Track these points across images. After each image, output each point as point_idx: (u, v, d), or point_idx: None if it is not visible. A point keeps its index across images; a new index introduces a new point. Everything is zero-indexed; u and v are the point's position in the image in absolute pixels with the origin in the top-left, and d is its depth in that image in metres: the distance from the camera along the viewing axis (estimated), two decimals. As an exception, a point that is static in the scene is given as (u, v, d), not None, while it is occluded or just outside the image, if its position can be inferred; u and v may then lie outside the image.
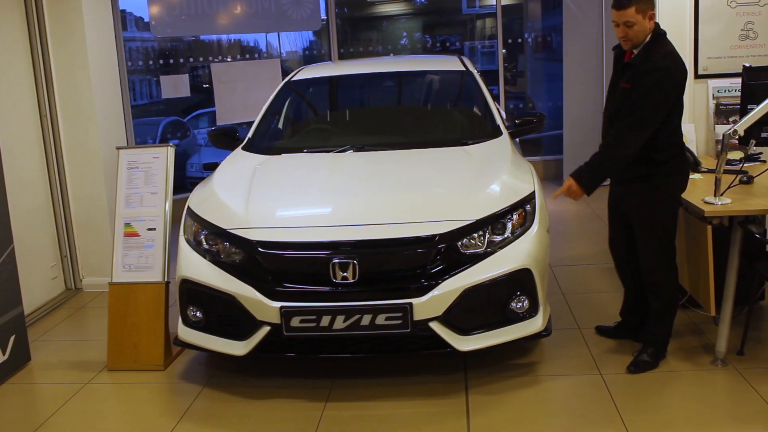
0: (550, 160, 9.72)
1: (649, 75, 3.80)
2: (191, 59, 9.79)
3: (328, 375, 4.17)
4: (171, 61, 9.62)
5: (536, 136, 10.58)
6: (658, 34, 3.92)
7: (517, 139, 5.47)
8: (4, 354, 4.39)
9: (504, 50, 11.44)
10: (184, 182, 10.60)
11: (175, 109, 12.81)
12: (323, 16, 9.34)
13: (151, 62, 11.05)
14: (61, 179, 5.89)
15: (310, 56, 12.56)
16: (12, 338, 4.46)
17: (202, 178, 4.82)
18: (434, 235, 3.78)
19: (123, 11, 10.70)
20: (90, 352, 4.76)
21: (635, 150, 3.86)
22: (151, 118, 12.68)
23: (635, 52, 3.94)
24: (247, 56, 11.11)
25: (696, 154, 4.87)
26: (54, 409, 4.02)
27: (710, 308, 3.99)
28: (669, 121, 3.91)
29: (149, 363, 4.42)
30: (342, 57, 10.24)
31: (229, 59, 10.63)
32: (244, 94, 8.46)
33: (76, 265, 6.05)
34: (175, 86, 8.26)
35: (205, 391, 4.11)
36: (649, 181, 3.96)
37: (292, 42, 12.26)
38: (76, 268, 6.06)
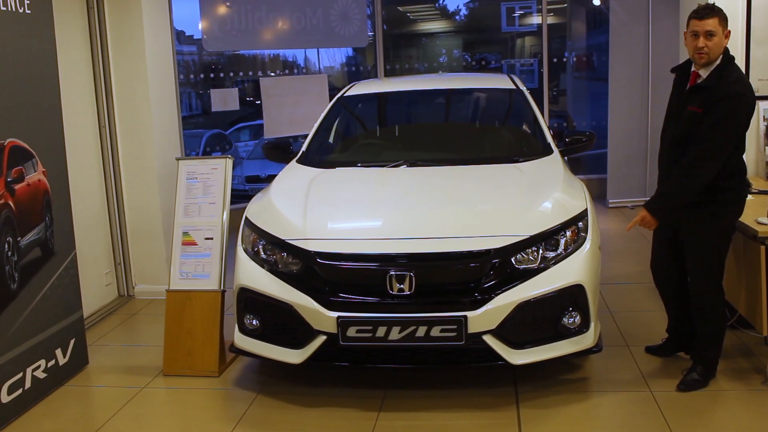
0: (593, 179, 9.72)
1: (726, 101, 3.72)
2: (231, 73, 9.98)
3: (381, 385, 4.23)
4: (212, 75, 9.82)
5: (579, 155, 10.61)
6: (729, 57, 3.87)
7: (566, 158, 5.52)
8: (64, 357, 4.52)
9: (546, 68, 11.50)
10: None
11: (218, 122, 13.04)
12: (370, 33, 9.47)
13: (192, 75, 11.29)
14: (118, 189, 6.05)
15: (351, 72, 12.75)
16: (72, 341, 4.59)
17: (244, 191, 4.93)
18: (489, 250, 3.85)
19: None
20: (145, 358, 4.87)
21: (710, 178, 3.81)
22: (194, 130, 12.92)
23: (702, 74, 3.88)
24: (287, 71, 11.30)
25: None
26: (111, 413, 4.13)
27: (763, 329, 4.00)
28: (738, 147, 3.89)
29: (204, 369, 4.52)
30: (386, 74, 10.36)
31: (272, 74, 10.82)
32: (292, 109, 8.58)
33: (130, 272, 6.20)
34: (225, 100, 8.42)
35: (259, 398, 4.19)
36: (711, 207, 3.91)
37: (331, 58, 12.44)
38: (129, 276, 6.20)
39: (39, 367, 4.28)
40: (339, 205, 4.41)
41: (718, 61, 3.85)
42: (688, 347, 4.35)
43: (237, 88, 9.02)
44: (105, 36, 5.87)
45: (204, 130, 12.88)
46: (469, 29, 13.53)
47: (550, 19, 12.06)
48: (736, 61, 3.94)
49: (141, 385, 4.47)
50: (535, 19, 12.07)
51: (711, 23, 3.78)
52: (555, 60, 10.99)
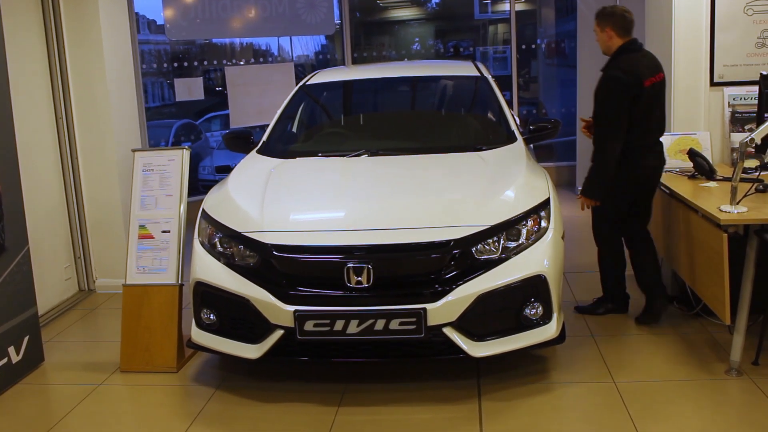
0: (563, 166, 9.70)
1: (601, 83, 4.49)
2: (205, 62, 9.81)
3: (342, 379, 4.16)
4: (185, 64, 9.65)
5: (549, 142, 10.59)
6: (620, 50, 4.56)
7: (531, 146, 5.46)
8: (18, 354, 4.40)
9: (516, 56, 11.43)
10: (197, 185, 10.62)
11: (188, 111, 12.83)
12: (337, 21, 9.35)
13: (165, 65, 11.08)
14: (76, 181, 5.92)
15: (323, 60, 12.61)
16: (26, 339, 4.48)
17: (215, 181, 4.83)
18: (449, 241, 3.78)
19: (136, 14, 10.75)
20: (103, 354, 4.77)
21: (616, 153, 4.50)
22: (163, 120, 12.72)
23: None
24: (261, 60, 11.13)
25: (711, 162, 4.85)
26: (66, 411, 4.03)
27: (725, 317, 3.97)
28: (637, 125, 4.51)
29: (162, 365, 4.43)
30: (354, 62, 10.25)
31: (242, 62, 10.65)
32: (258, 98, 8.47)
33: (90, 266, 6.08)
34: (189, 89, 8.29)
35: (217, 394, 4.11)
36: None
37: (304, 46, 12.27)
38: (90, 270, 6.08)
39: (-9, 365, 4.17)
40: (297, 196, 4.31)
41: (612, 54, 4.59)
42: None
43: (201, 78, 8.86)
44: (60, 26, 5.73)
45: (174, 120, 12.68)
46: (441, 16, 13.41)
47: (521, 6, 12.02)
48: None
49: (97, 382, 4.37)
50: (507, 6, 12.01)
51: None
52: (524, 47, 10.95)
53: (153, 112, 12.32)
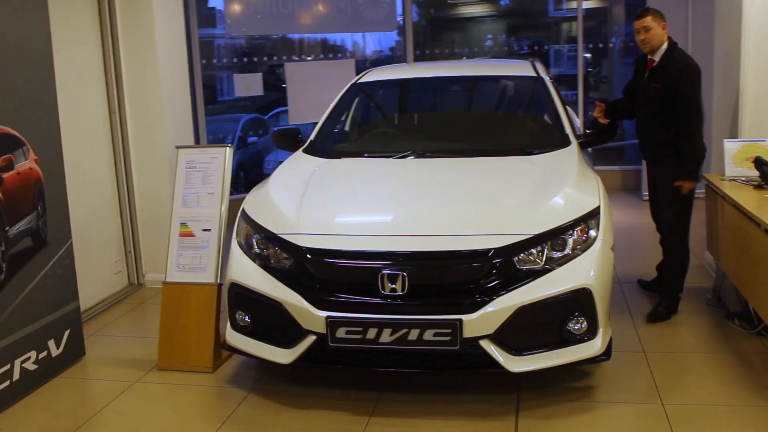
0: (629, 170, 9.37)
1: (684, 71, 4.65)
2: (275, 57, 9.80)
3: (376, 387, 4.04)
4: (255, 59, 9.66)
5: (617, 145, 10.24)
6: (673, 42, 4.82)
7: (589, 149, 5.24)
8: (57, 348, 4.43)
9: (588, 54, 11.10)
10: (261, 180, 10.60)
11: (262, 106, 12.80)
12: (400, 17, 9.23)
13: (235, 59, 11.10)
14: (128, 176, 5.96)
15: (394, 57, 12.49)
16: (66, 333, 4.49)
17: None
18: (488, 249, 3.61)
19: (212, 9, 10.82)
20: (143, 350, 4.76)
21: (702, 133, 4.74)
22: (231, 114, 12.78)
23: (655, 59, 4.80)
24: (330, 56, 11.07)
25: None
26: (100, 407, 4.03)
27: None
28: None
29: (198, 365, 4.39)
30: (425, 58, 10.10)
31: (311, 58, 10.62)
32: (318, 94, 8.40)
33: (140, 261, 6.11)
34: (248, 85, 8.28)
35: (250, 397, 4.04)
36: (673, 159, 4.75)
37: (376, 42, 12.18)
38: (140, 264, 6.11)
39: (29, 358, 4.19)
40: (335, 198, 4.20)
41: (664, 47, 4.79)
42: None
43: (260, 73, 8.83)
44: (115, 20, 5.76)
45: (242, 114, 12.74)
46: (515, 13, 13.13)
47: (592, 4, 11.69)
48: None
49: (134, 379, 4.36)
50: (584, 4, 11.67)
51: (647, 20, 4.77)
52: (599, 45, 10.64)
53: (227, 105, 12.42)
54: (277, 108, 13.28)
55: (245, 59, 10.21)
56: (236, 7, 8.16)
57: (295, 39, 10.87)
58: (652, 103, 4.82)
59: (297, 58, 10.05)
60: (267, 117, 13.22)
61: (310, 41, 11.03)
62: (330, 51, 11.23)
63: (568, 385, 4.02)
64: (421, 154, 4.63)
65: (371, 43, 12.03)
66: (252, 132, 12.25)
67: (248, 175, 11.26)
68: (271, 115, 13.37)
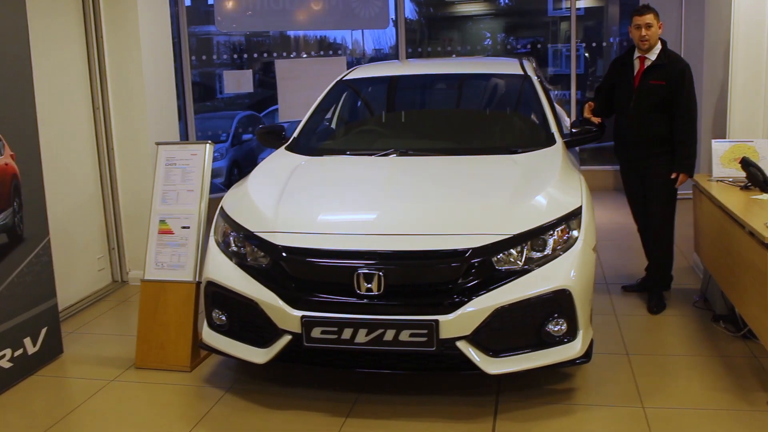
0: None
1: (687, 71, 4.81)
2: (274, 54, 9.74)
3: (354, 388, 3.99)
4: (255, 55, 9.60)
5: (610, 144, 10.15)
6: (665, 41, 4.92)
7: (577, 148, 5.19)
8: (34, 346, 4.37)
9: (587, 54, 11.05)
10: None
11: (261, 102, 12.72)
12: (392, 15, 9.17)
13: (235, 56, 11.02)
14: (112, 172, 5.90)
15: (394, 55, 12.42)
16: (44, 330, 4.44)
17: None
18: (466, 249, 3.56)
19: (211, 6, 10.76)
20: (122, 348, 4.71)
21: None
22: (227, 111, 12.72)
23: (649, 57, 4.89)
24: (322, 53, 11.01)
25: (766, 173, 4.50)
26: (74, 405, 3.98)
27: (768, 343, 3.65)
28: None
29: (176, 363, 4.34)
30: (423, 56, 10.02)
31: (304, 56, 10.56)
32: (308, 92, 8.33)
33: (123, 258, 6.06)
34: (239, 82, 8.23)
35: (225, 397, 3.99)
36: (668, 155, 4.91)
37: (375, 40, 12.12)
38: (123, 261, 6.06)
39: (4, 356, 4.14)
40: (313, 197, 4.15)
41: (659, 45, 4.89)
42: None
43: (250, 70, 8.79)
44: (99, 17, 5.72)
45: (236, 112, 12.68)
46: (513, 12, 13.07)
47: (589, 3, 11.63)
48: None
49: (111, 377, 4.31)
50: (582, 3, 11.61)
51: (649, 17, 4.83)
52: (595, 45, 10.59)
53: (226, 102, 12.37)
54: (273, 105, 13.23)
55: (245, 56, 10.14)
56: (227, 4, 8.10)
57: (292, 36, 10.82)
58: (651, 99, 4.86)
59: (294, 56, 10.00)
60: (263, 114, 13.16)
61: (308, 39, 10.97)
62: (329, 48, 11.18)
63: (548, 387, 3.97)
64: (403, 153, 4.57)
65: (370, 40, 11.97)
66: (248, 129, 12.20)
67: (242, 172, 11.20)
68: (267, 112, 13.32)
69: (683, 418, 3.63)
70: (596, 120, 5.17)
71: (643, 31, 4.82)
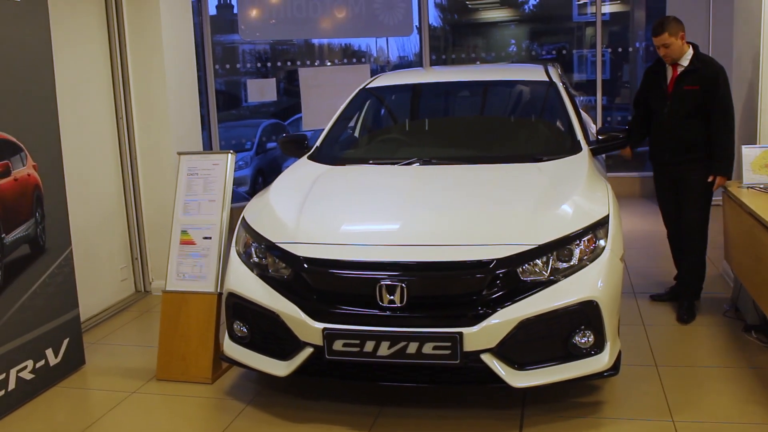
0: (647, 176, 9.15)
1: (722, 74, 4.75)
2: (298, 62, 9.73)
3: (377, 401, 3.93)
4: (279, 64, 9.58)
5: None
6: (695, 45, 4.90)
7: (603, 156, 5.11)
8: (56, 357, 4.36)
9: (602, 59, 10.91)
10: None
11: (286, 110, 12.71)
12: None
13: (258, 65, 11.03)
14: (135, 182, 5.90)
15: (418, 62, 12.39)
16: (65, 341, 4.43)
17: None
18: (491, 260, 3.49)
19: (237, 15, 10.79)
20: (144, 359, 4.69)
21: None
22: (252, 120, 12.74)
23: (682, 64, 4.84)
24: (354, 61, 10.98)
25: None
26: (95, 418, 3.95)
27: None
28: None
29: (197, 375, 4.31)
30: (448, 63, 9.96)
31: (328, 64, 10.54)
32: (332, 100, 8.31)
33: (147, 268, 6.05)
34: (262, 90, 8.22)
35: (247, 410, 3.95)
36: (704, 161, 4.85)
37: (400, 47, 12.08)
38: (146, 271, 6.05)
39: (26, 368, 4.13)
40: (335, 207, 4.09)
41: (690, 52, 4.84)
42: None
43: (274, 79, 8.79)
44: (122, 26, 5.72)
45: (261, 120, 12.69)
46: (538, 18, 12.96)
47: (615, 8, 11.51)
48: None
49: (132, 389, 4.29)
50: (607, 8, 11.50)
51: (663, 38, 4.77)
52: (620, 50, 10.47)
53: (251, 110, 12.39)
54: (298, 114, 13.21)
55: (269, 65, 10.15)
56: (251, 13, 8.10)
57: (317, 44, 10.80)
58: (687, 104, 4.82)
59: (318, 63, 9.98)
60: (287, 123, 13.16)
61: (333, 47, 10.94)
62: (353, 56, 11.15)
63: (575, 400, 3.88)
64: (427, 161, 4.52)
65: (395, 48, 11.93)
66: (273, 138, 12.19)
67: (267, 180, 11.19)
68: (292, 120, 13.32)
69: (714, 433, 3.53)
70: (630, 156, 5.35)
71: (662, 51, 4.82)
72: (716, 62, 4.85)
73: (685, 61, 4.83)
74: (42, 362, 4.25)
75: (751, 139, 5.06)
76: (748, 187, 4.67)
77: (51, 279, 4.30)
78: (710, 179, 4.79)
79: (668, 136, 4.94)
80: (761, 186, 4.63)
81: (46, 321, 4.27)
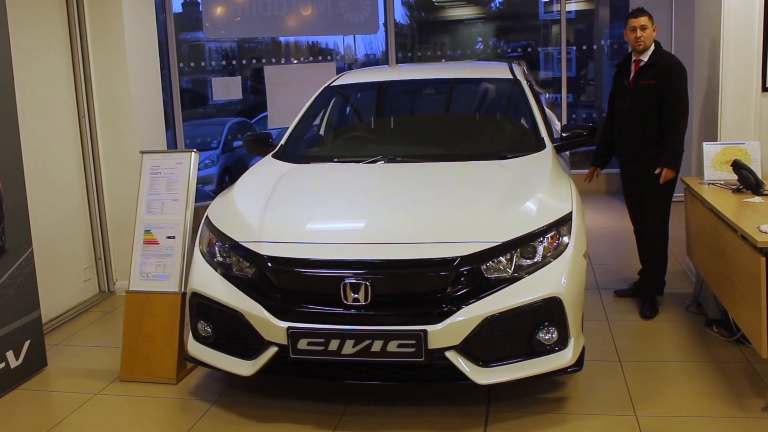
0: (613, 173, 9.23)
1: (677, 69, 4.81)
2: (263, 60, 9.66)
3: (342, 399, 3.92)
4: (244, 62, 9.51)
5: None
6: (659, 43, 4.97)
7: (567, 153, 5.14)
8: (17, 359, 4.30)
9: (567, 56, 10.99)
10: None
11: (255, 108, 12.62)
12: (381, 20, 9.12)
13: (225, 62, 10.94)
14: (98, 182, 5.83)
15: (386, 60, 12.38)
16: (27, 343, 4.37)
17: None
18: (455, 258, 3.50)
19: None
20: (107, 360, 4.64)
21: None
22: (218, 118, 12.63)
23: (643, 59, 4.91)
24: (320, 58, 10.92)
25: (759, 175, 4.46)
26: (58, 420, 3.90)
27: (762, 349, 3.58)
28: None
29: (161, 376, 4.27)
30: (414, 61, 9.96)
31: (295, 61, 10.47)
32: (298, 98, 8.26)
33: (111, 268, 5.98)
34: (227, 88, 8.16)
35: (212, 410, 3.92)
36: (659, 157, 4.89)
37: (367, 45, 12.05)
38: (110, 271, 5.99)
39: (-15, 370, 4.07)
40: (299, 205, 4.08)
41: (653, 47, 4.90)
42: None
43: (239, 77, 8.72)
44: (84, 25, 5.64)
45: (227, 118, 12.59)
46: (505, 16, 13.02)
47: (580, 6, 11.60)
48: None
49: (95, 390, 4.24)
50: (572, 6, 11.57)
51: (643, 20, 4.86)
52: (585, 47, 10.55)
53: (218, 108, 12.27)
54: (264, 112, 13.13)
55: (234, 62, 10.09)
56: (216, 10, 8.04)
57: (284, 42, 10.75)
58: (644, 99, 4.87)
59: (285, 61, 9.91)
60: (254, 121, 13.07)
61: (300, 44, 10.88)
62: (320, 54, 11.10)
63: (539, 396, 3.91)
64: (391, 159, 4.52)
65: (362, 46, 11.90)
66: (239, 136, 12.10)
67: (233, 179, 11.09)
68: (258, 119, 13.23)
69: (677, 426, 3.57)
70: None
71: (638, 33, 4.84)
72: (675, 58, 4.93)
73: (645, 57, 4.89)
74: (2, 365, 4.19)
75: (712, 136, 5.13)
76: (709, 184, 4.74)
77: (11, 280, 4.24)
78: (657, 171, 4.83)
79: (628, 133, 5.02)
80: (722, 182, 4.69)
81: (7, 323, 4.21)
